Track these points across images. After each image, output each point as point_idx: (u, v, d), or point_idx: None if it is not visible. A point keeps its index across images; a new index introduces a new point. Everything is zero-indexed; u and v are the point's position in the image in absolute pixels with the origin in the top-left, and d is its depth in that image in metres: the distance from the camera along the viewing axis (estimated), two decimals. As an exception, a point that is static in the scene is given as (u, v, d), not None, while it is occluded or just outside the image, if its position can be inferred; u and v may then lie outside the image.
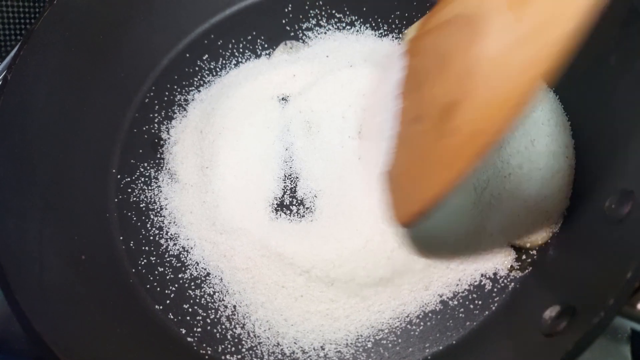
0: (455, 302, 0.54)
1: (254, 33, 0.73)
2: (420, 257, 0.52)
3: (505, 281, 0.54)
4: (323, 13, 0.73)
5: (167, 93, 0.71)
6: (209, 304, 0.57)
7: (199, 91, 0.71)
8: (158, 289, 0.58)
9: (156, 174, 0.66)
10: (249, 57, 0.72)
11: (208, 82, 0.71)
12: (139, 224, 0.62)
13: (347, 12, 0.73)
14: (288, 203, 0.60)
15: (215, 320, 0.56)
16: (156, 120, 0.69)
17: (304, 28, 0.73)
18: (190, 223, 0.61)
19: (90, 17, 0.64)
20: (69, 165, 0.62)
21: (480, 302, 0.54)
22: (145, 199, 0.64)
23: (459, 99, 0.42)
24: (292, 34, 0.73)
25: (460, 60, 0.43)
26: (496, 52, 0.41)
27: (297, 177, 0.61)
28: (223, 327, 0.55)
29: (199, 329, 0.56)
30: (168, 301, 0.57)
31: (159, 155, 0.67)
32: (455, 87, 0.43)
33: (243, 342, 0.54)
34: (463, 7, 0.46)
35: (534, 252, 0.55)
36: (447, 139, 0.43)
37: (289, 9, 0.74)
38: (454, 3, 0.47)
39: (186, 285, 0.58)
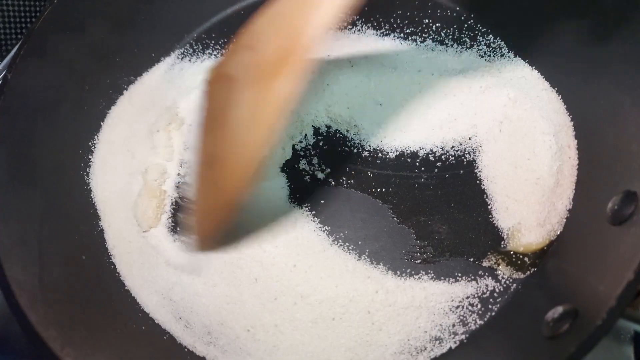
0: (457, 304, 0.54)
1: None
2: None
3: (507, 283, 0.54)
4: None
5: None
6: (204, 306, 0.56)
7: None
8: (155, 290, 0.58)
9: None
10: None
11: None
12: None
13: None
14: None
15: (209, 322, 0.56)
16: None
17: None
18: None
19: (90, 16, 0.64)
20: (69, 165, 0.62)
21: (482, 305, 0.53)
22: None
23: (223, 152, 0.49)
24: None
25: (228, 116, 0.49)
26: (244, 115, 0.47)
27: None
28: (218, 329, 0.55)
29: (197, 331, 0.56)
30: (165, 302, 0.57)
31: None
32: (221, 140, 0.49)
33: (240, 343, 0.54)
34: (234, 65, 0.50)
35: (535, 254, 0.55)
36: (216, 182, 0.50)
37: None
38: (232, 57, 0.51)
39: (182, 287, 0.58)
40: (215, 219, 0.52)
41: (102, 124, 0.67)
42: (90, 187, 0.63)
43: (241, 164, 0.47)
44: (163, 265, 0.59)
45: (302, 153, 0.63)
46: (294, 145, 0.63)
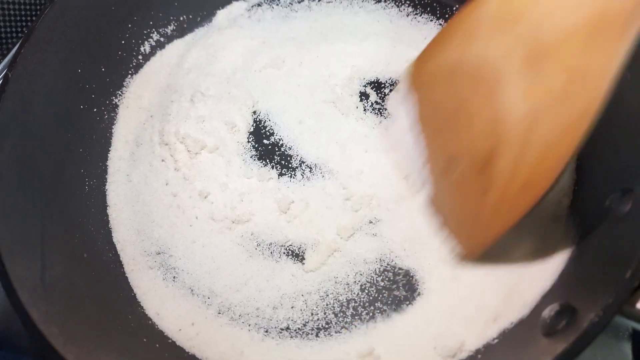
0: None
1: None
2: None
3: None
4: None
5: (168, 91, 0.71)
6: (202, 306, 0.57)
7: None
8: (156, 289, 0.59)
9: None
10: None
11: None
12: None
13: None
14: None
15: (207, 320, 0.56)
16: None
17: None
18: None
19: (91, 14, 0.64)
20: (70, 163, 0.62)
21: (480, 301, 0.54)
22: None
23: (496, 151, 0.42)
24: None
25: (484, 110, 0.43)
26: (524, 108, 0.40)
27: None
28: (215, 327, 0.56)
29: (195, 330, 0.56)
30: (164, 302, 0.58)
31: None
32: (486, 137, 0.43)
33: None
34: (470, 53, 0.44)
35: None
36: (493, 191, 0.44)
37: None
38: (455, 44, 0.46)
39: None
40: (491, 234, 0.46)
41: (105, 121, 0.67)
42: (90, 186, 0.63)
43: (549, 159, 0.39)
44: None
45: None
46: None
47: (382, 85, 0.67)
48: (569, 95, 0.38)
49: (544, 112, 0.39)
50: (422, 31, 0.71)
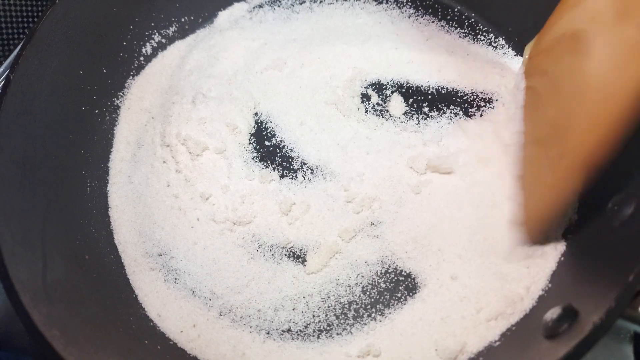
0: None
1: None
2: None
3: (507, 282, 0.54)
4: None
5: (169, 92, 0.71)
6: (203, 308, 0.57)
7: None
8: (157, 291, 0.59)
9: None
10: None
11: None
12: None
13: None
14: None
15: (209, 322, 0.56)
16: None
17: None
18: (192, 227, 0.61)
19: (92, 15, 0.64)
20: (71, 164, 0.62)
21: (481, 303, 0.54)
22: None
23: (567, 124, 0.43)
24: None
25: (567, 82, 0.43)
26: (600, 71, 0.40)
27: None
28: (216, 329, 0.56)
29: (196, 332, 0.56)
30: (165, 304, 0.58)
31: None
32: (563, 111, 0.44)
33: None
34: (569, 23, 0.45)
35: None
36: (556, 164, 0.45)
37: None
38: (563, 19, 0.46)
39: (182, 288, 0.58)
40: (555, 198, 0.47)
41: (107, 122, 0.67)
42: (92, 187, 0.63)
43: (598, 126, 0.40)
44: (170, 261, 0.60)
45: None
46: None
47: (384, 86, 0.67)
48: None
49: (619, 64, 0.39)
50: (424, 32, 0.71)
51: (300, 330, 0.55)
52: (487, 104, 0.64)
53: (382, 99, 0.66)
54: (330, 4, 0.75)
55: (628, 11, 0.39)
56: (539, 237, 0.53)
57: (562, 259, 0.52)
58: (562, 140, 0.44)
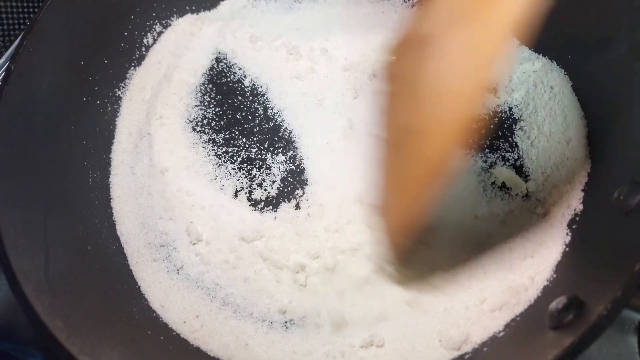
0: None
1: None
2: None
3: (512, 272, 0.54)
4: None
5: (171, 83, 0.70)
6: (206, 298, 0.57)
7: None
8: (160, 281, 0.58)
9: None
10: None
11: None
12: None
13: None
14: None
15: (212, 312, 0.56)
16: (160, 110, 0.68)
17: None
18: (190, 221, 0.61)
19: (93, 6, 0.64)
20: (73, 155, 0.62)
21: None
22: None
23: (419, 125, 0.43)
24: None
25: (421, 86, 0.43)
26: (452, 74, 0.41)
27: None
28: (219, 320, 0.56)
29: (199, 323, 0.56)
30: (168, 294, 0.58)
31: (163, 146, 0.66)
32: (419, 115, 0.44)
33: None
34: (421, 28, 0.45)
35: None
36: (412, 165, 0.45)
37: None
38: (416, 24, 0.46)
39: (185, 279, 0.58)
40: (413, 205, 0.46)
41: (109, 113, 0.67)
42: (94, 178, 0.63)
43: (450, 128, 0.41)
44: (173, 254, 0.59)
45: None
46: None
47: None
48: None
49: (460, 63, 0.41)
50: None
51: (303, 321, 0.55)
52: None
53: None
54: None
55: (474, 15, 0.40)
56: (400, 247, 0.52)
57: (567, 249, 0.52)
58: (420, 145, 0.44)
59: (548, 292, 0.49)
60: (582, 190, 0.54)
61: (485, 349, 0.50)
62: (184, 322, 0.56)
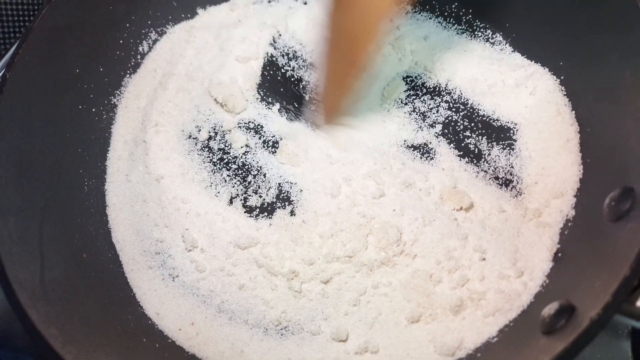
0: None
1: None
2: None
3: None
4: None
5: (166, 90, 0.70)
6: (202, 305, 0.57)
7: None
8: (156, 289, 0.58)
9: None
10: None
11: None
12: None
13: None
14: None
15: (207, 320, 0.56)
16: (156, 118, 0.69)
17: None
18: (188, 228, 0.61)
19: (88, 14, 0.64)
20: (69, 163, 0.62)
21: (479, 299, 0.54)
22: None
23: (354, 34, 0.56)
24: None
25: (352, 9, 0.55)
26: None
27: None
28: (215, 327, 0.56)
29: (195, 330, 0.56)
30: (164, 302, 0.58)
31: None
32: (352, 27, 0.56)
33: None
34: None
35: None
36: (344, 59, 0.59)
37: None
38: None
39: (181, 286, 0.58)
40: (344, 87, 0.61)
41: (104, 121, 0.67)
42: (89, 186, 0.63)
43: (369, 33, 0.55)
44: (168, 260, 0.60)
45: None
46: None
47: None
48: None
49: None
50: (422, 29, 0.71)
51: (298, 328, 0.55)
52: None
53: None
54: None
55: None
56: (333, 113, 0.64)
57: (559, 254, 0.53)
58: (352, 45, 0.57)
59: (541, 298, 0.49)
60: (574, 196, 0.55)
61: (479, 354, 0.50)
62: (180, 329, 0.56)
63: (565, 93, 0.61)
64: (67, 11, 0.61)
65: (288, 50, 0.70)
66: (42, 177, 0.57)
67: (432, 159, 0.62)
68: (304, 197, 0.61)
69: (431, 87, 0.67)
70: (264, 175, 0.63)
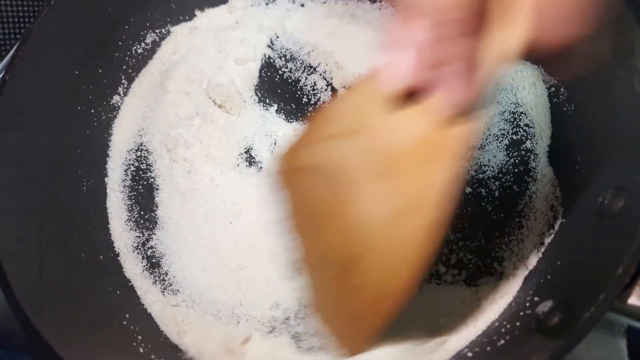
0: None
1: None
2: None
3: (499, 277, 0.54)
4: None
5: (165, 91, 0.71)
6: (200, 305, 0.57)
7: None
8: (156, 289, 0.59)
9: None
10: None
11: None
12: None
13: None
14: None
15: (206, 319, 0.57)
16: (154, 119, 0.69)
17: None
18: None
19: (87, 16, 0.64)
20: (67, 164, 0.62)
21: (473, 299, 0.54)
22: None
23: (359, 255, 0.41)
24: None
25: (344, 214, 0.42)
26: (380, 216, 0.40)
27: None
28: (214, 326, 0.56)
29: (193, 329, 0.56)
30: (164, 302, 0.58)
31: (157, 154, 0.67)
32: (351, 241, 0.42)
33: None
34: (324, 156, 0.43)
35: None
36: (356, 294, 0.43)
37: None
38: (315, 146, 0.44)
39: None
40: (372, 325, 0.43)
41: (103, 122, 0.68)
42: (88, 187, 0.64)
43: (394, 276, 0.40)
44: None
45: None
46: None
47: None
48: (420, 205, 0.38)
49: (401, 219, 0.39)
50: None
51: (296, 332, 0.55)
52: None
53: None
54: (324, 2, 0.75)
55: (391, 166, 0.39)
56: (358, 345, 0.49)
57: (553, 253, 0.53)
58: (355, 271, 0.42)
59: (534, 295, 0.49)
60: (567, 195, 0.55)
61: (470, 354, 0.50)
62: (178, 328, 0.56)
63: (559, 91, 0.61)
64: (67, 13, 0.61)
65: (285, 52, 0.70)
66: (41, 177, 0.58)
67: None
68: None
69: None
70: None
